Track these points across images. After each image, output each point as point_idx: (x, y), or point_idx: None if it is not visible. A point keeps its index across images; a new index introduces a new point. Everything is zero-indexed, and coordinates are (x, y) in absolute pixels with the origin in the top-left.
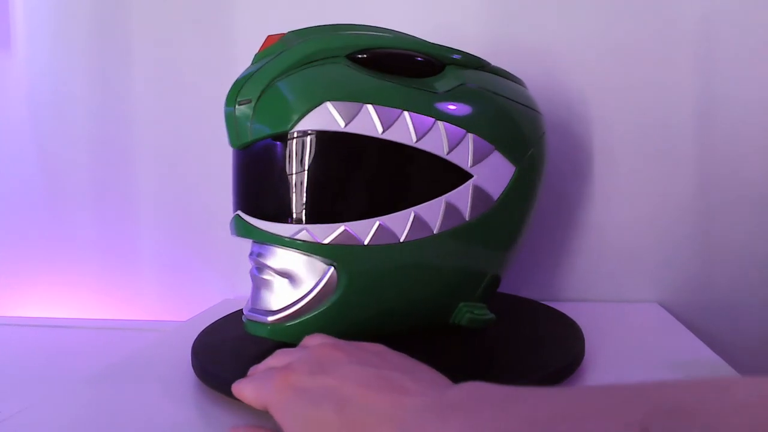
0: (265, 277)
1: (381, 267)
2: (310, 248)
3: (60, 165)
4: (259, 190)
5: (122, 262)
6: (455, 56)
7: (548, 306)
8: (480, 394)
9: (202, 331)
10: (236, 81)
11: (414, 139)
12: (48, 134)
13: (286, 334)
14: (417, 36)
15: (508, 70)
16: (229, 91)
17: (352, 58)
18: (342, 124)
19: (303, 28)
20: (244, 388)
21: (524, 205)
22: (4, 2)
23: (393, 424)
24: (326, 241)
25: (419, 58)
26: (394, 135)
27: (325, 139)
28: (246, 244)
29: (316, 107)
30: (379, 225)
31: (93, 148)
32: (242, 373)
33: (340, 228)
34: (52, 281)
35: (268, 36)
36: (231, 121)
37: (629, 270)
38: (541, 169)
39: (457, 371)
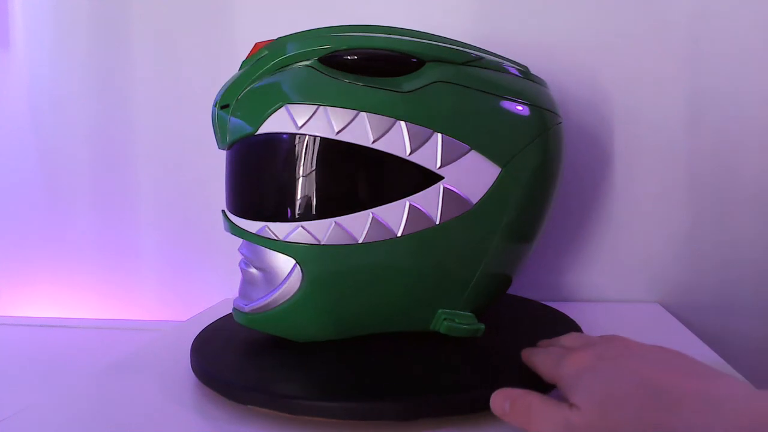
0: (248, 269)
1: (340, 266)
2: (273, 245)
3: (60, 164)
4: (236, 188)
5: (122, 262)
6: (440, 52)
7: (548, 306)
8: None
9: (202, 330)
10: (222, 87)
11: (371, 139)
12: (48, 134)
13: (259, 323)
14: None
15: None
16: (216, 96)
17: (323, 60)
18: (297, 126)
19: (292, 33)
20: (536, 357)
21: (520, 207)
22: (3, 2)
23: (707, 406)
24: (286, 239)
25: (386, 58)
26: (349, 136)
27: (282, 141)
28: None
29: (276, 111)
30: (335, 225)
31: (93, 147)
32: (241, 372)
33: (297, 226)
34: (52, 281)
35: (256, 43)
36: (215, 124)
37: (630, 270)
38: (541, 169)
39: (453, 371)
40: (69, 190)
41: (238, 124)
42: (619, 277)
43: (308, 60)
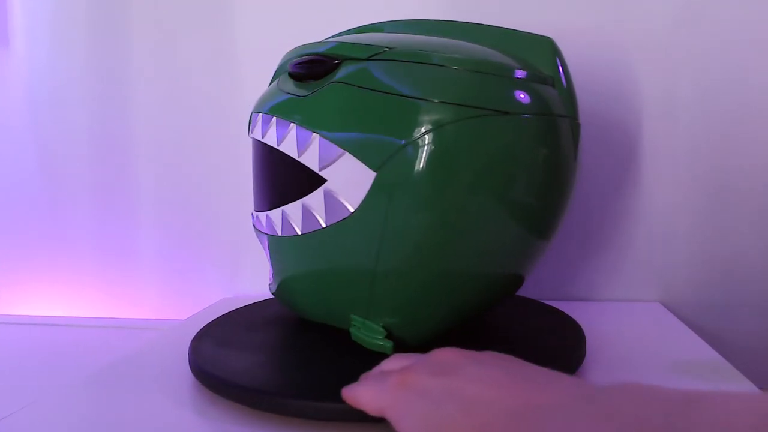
0: None
1: (279, 254)
2: (254, 228)
3: (59, 163)
4: None
5: (122, 261)
6: (350, 50)
7: (549, 305)
8: (638, 398)
9: (201, 330)
10: None
11: (276, 142)
12: (47, 132)
13: (274, 294)
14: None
15: None
16: None
17: (289, 72)
18: (251, 131)
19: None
20: (357, 392)
21: (413, 214)
22: (2, 0)
23: (527, 423)
24: (254, 224)
25: (308, 63)
26: (268, 139)
27: (253, 144)
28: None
29: (252, 118)
30: (267, 217)
31: (93, 146)
32: (240, 372)
33: (255, 215)
34: (52, 279)
35: None
36: None
37: (631, 269)
38: (445, 171)
39: None
40: (68, 189)
41: None
42: (619, 276)
43: (285, 71)
